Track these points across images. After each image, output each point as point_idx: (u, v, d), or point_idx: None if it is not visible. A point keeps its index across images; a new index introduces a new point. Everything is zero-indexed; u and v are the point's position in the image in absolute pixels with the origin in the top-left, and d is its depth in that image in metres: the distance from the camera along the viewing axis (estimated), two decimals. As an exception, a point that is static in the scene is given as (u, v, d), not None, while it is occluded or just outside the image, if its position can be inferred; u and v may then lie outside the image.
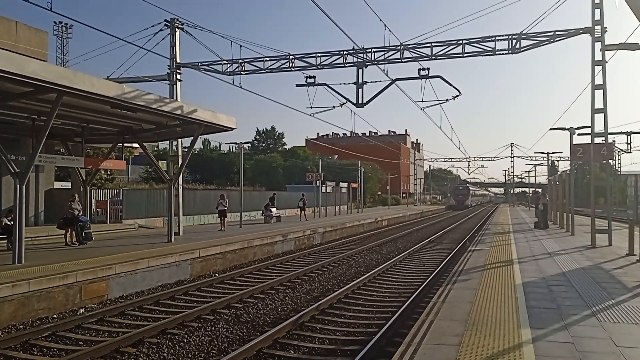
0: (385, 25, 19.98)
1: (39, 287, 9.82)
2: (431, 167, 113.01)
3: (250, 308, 10.60)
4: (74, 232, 16.53)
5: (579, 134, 20.84)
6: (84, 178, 21.93)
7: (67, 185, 30.25)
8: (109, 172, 36.69)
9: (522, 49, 19.97)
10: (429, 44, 20.69)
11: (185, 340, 8.33)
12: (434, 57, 20.74)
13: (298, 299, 11.64)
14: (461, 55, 20.65)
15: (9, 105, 14.37)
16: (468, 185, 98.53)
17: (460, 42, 20.39)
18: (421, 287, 12.19)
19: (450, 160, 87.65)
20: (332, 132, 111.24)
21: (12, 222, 13.63)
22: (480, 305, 7.85)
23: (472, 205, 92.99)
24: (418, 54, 20.88)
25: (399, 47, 20.80)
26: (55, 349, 7.99)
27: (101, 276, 11.33)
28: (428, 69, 20.36)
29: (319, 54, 22.11)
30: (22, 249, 12.22)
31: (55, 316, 9.90)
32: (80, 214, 16.95)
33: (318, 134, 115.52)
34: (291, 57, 22.46)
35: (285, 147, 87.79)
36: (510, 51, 20.03)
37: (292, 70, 22.68)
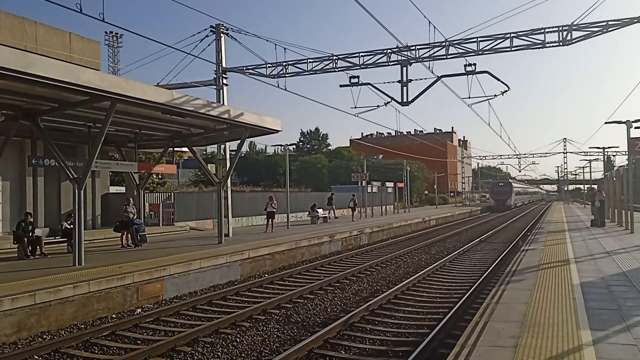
0: (429, 21, 19.77)
1: (98, 288, 10.23)
2: (479, 165, 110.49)
3: (300, 308, 10.68)
4: (129, 235, 17.13)
5: (636, 127, 19.89)
6: (138, 182, 22.68)
7: (122, 189, 31.37)
8: (160, 176, 37.85)
9: (574, 41, 19.25)
10: (475, 39, 20.26)
11: (238, 340, 8.47)
12: (480, 52, 20.28)
13: (347, 300, 11.64)
14: (509, 49, 20.11)
15: (66, 114, 15.05)
16: (510, 181, 78.65)
17: (508, 35, 19.85)
18: (473, 287, 11.94)
19: (499, 157, 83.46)
20: (377, 132, 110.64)
21: (71, 226, 14.27)
22: (536, 307, 7.62)
23: (517, 205, 74.63)
24: (464, 49, 20.48)
25: (444, 43, 20.46)
26: (114, 348, 8.30)
27: (156, 277, 11.69)
28: (475, 64, 19.91)
29: (362, 54, 22.03)
30: (81, 252, 12.77)
31: (114, 316, 10.28)
32: (135, 217, 17.55)
33: (362, 133, 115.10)
34: (334, 57, 22.47)
35: (329, 147, 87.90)
36: (560, 43, 19.34)
37: (335, 71, 22.70)
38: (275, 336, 8.79)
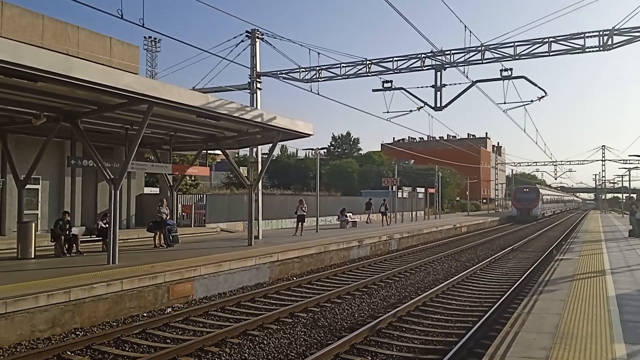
0: (465, 26, 19.46)
1: (130, 287, 10.47)
2: (513, 172, 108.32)
3: (327, 312, 10.69)
4: (162, 235, 17.48)
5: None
6: (171, 184, 23.12)
7: (156, 190, 32.02)
8: (193, 178, 38.46)
9: (615, 46, 18.71)
10: (512, 44, 19.92)
11: (265, 342, 8.54)
12: (517, 57, 19.93)
13: (374, 305, 11.59)
14: (547, 54, 19.69)
15: (105, 116, 15.45)
16: (538, 187, 64.36)
17: (546, 40, 19.45)
18: (504, 296, 11.72)
19: (534, 164, 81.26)
20: (409, 137, 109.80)
21: (107, 225, 14.65)
22: (569, 318, 7.43)
23: (545, 215, 62.95)
24: (500, 54, 20.16)
25: (479, 48, 20.20)
26: (145, 346, 8.47)
27: (187, 277, 11.89)
28: (511, 69, 19.58)
29: (396, 58, 21.93)
30: (116, 251, 13.09)
31: (145, 314, 10.50)
32: (168, 218, 17.90)
33: (394, 138, 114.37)
34: (368, 62, 22.46)
35: (360, 152, 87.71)
36: (601, 48, 18.82)
37: (368, 76, 22.68)
38: (302, 339, 8.83)
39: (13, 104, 13.58)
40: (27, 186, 16.37)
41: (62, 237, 15.11)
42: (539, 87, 19.78)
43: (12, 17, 22.79)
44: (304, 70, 23.38)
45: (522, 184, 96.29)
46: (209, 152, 24.70)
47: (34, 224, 15.02)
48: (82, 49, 24.84)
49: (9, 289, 9.18)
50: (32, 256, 14.31)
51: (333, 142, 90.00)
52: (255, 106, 22.61)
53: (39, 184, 21.72)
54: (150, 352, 8.05)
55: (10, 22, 22.41)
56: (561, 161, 76.48)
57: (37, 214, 21.34)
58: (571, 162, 79.22)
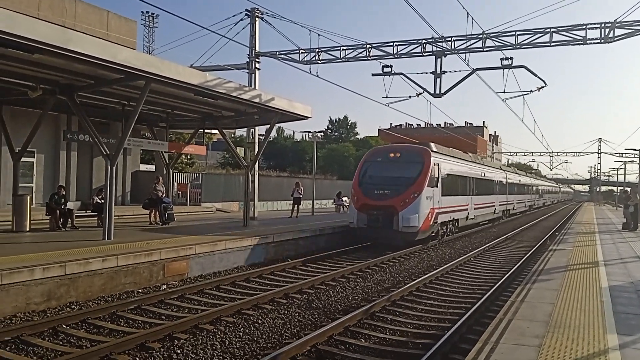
0: (467, 12, 19.30)
1: (126, 263, 10.47)
2: (509, 161, 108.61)
3: (322, 294, 10.74)
4: (157, 213, 17.44)
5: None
6: (167, 162, 23.02)
7: (151, 167, 31.91)
8: (189, 157, 38.31)
9: (616, 39, 18.63)
10: (513, 33, 19.80)
11: (259, 322, 8.59)
12: (518, 46, 19.83)
13: (369, 289, 11.65)
14: (548, 44, 19.60)
15: (102, 91, 15.32)
16: (432, 146, 20.68)
17: (548, 30, 19.36)
18: (497, 284, 11.80)
19: (531, 154, 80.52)
20: (406, 123, 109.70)
21: (102, 201, 14.60)
22: (562, 307, 7.50)
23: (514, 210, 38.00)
24: (501, 42, 20.05)
25: (481, 36, 20.06)
26: (140, 322, 8.50)
27: (182, 255, 11.90)
28: (511, 58, 19.51)
29: (397, 43, 21.76)
30: (111, 226, 13.07)
31: (140, 291, 10.52)
32: (164, 196, 17.85)
33: (391, 124, 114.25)
34: (368, 46, 22.28)
35: (357, 136, 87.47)
36: (602, 40, 18.74)
37: (368, 60, 22.52)
38: (296, 320, 8.88)
39: (9, 75, 13.41)
40: (22, 159, 16.23)
41: (58, 211, 15.07)
42: (538, 77, 19.75)
43: (9, -13, 22.37)
44: (303, 51, 23.18)
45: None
46: (205, 131, 24.59)
47: (29, 197, 14.96)
48: (78, 21, 24.47)
49: (4, 261, 9.15)
50: (27, 229, 14.28)
51: (330, 126, 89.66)
52: (253, 86, 22.45)
53: (34, 157, 21.57)
54: (146, 328, 8.07)
55: (7, -8, 22.00)
56: (557, 152, 76.65)
57: (32, 187, 21.23)
58: (567, 154, 79.39)
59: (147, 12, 77.46)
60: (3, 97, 16.05)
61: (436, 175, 18.87)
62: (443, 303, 10.52)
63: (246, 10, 23.06)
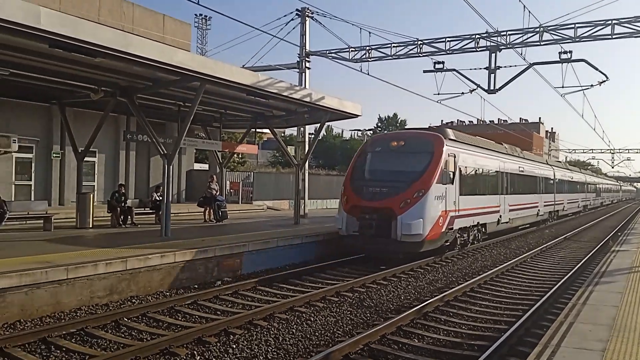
0: (524, 5, 18.68)
1: (183, 259, 10.79)
2: (567, 159, 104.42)
3: (373, 293, 10.70)
4: (211, 210, 17.88)
5: None
6: (221, 161, 23.53)
7: (204, 166, 32.71)
8: (240, 156, 39.03)
9: (685, 29, 17.58)
10: (572, 25, 19.04)
11: (312, 319, 8.65)
12: (577, 39, 19.05)
13: (421, 289, 11.51)
14: (610, 37, 18.74)
15: (159, 92, 15.81)
16: (448, 131, 17.13)
17: (609, 22, 18.49)
18: (556, 286, 11.39)
19: (590, 151, 76.28)
20: (457, 120, 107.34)
21: (160, 198, 15.10)
22: (627, 311, 7.16)
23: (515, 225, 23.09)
24: (559, 36, 19.32)
25: (538, 29, 19.40)
26: (196, 316, 8.74)
27: (236, 252, 12.14)
28: (570, 52, 18.76)
29: (449, 39, 21.37)
30: (169, 224, 13.50)
31: (196, 286, 10.81)
32: (217, 194, 18.28)
33: (442, 121, 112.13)
34: (419, 42, 21.98)
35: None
36: (668, 31, 17.74)
37: (419, 56, 22.24)
38: (348, 318, 8.89)
39: (72, 79, 14.05)
40: (85, 159, 16.99)
41: (118, 209, 15.69)
42: (599, 71, 18.88)
43: (71, -7, 23.48)
44: (353, 49, 23.14)
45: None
46: (257, 130, 24.94)
47: (91, 195, 15.64)
48: (136, 25, 25.39)
49: (70, 257, 9.63)
50: (90, 226, 14.94)
51: (379, 124, 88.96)
52: (303, 85, 22.60)
53: (95, 157, 22.56)
54: (202, 323, 8.29)
55: (69, -1, 23.10)
56: (619, 149, 72.81)
57: (94, 185, 22.22)
58: (630, 151, 75.13)
59: (200, 15, 79.20)
60: (67, 99, 16.90)
61: (451, 169, 15.11)
62: (499, 305, 10.26)
63: (297, 10, 23.26)
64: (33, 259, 9.27)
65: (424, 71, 21.52)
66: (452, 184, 15.04)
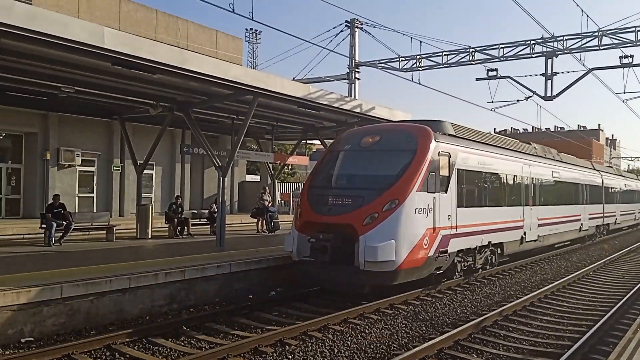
0: (582, 10, 18.10)
1: (238, 269, 10.97)
2: (629, 167, 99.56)
3: (428, 306, 10.51)
4: (264, 221, 18.13)
5: None
6: (272, 172, 23.88)
7: (255, 178, 33.30)
8: (290, 167, 39.48)
9: None
10: (633, 29, 18.28)
11: (366, 331, 8.59)
12: (638, 43, 18.26)
13: (478, 302, 11.21)
14: (674, 39, 17.85)
15: (213, 106, 16.26)
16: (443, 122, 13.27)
17: (675, 23, 17.62)
18: (622, 301, 10.84)
19: None
20: (511, 127, 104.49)
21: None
22: None
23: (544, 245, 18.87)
24: (620, 39, 18.58)
25: (596, 33, 18.72)
26: (252, 326, 8.84)
27: (290, 263, 12.22)
28: (632, 56, 18.02)
29: (502, 45, 20.94)
30: (224, 234, 13.79)
31: (250, 296, 10.95)
32: (270, 205, 18.53)
33: (495, 129, 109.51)
34: (471, 50, 21.66)
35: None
36: None
37: (472, 64, 21.89)
38: (403, 331, 8.76)
39: (133, 95, 14.68)
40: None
41: (175, 220, 16.16)
42: (666, 74, 17.91)
43: (129, 12, 24.61)
44: (403, 59, 23.05)
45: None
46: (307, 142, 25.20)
47: (150, 207, 16.20)
48: (191, 41, 26.29)
49: (131, 266, 10.00)
50: (150, 236, 15.47)
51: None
52: (353, 96, 22.68)
53: (152, 170, 23.40)
54: (257, 333, 8.39)
55: (128, 17, 24.23)
56: (687, 156, 68.46)
57: (152, 197, 23.03)
58: (699, 158, 70.60)
59: (251, 29, 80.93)
60: (127, 114, 17.64)
61: (444, 173, 11.49)
62: (561, 320, 9.84)
63: (346, 21, 23.43)
64: (97, 269, 9.68)
65: (477, 79, 21.23)
66: (446, 192, 11.48)
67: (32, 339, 7.69)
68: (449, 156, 11.77)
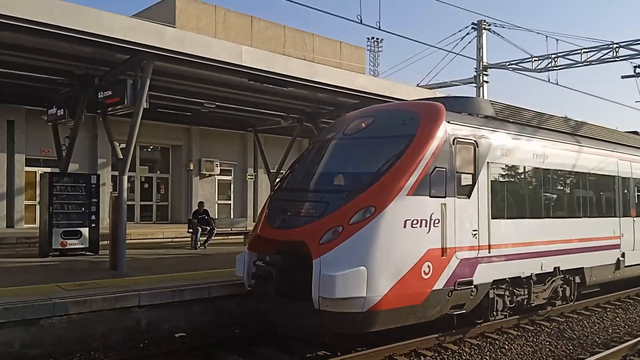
0: None
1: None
2: None
3: (574, 324, 9.72)
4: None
5: None
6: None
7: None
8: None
9: None
10: None
11: (506, 347, 8.16)
12: None
13: (632, 322, 10.15)
14: None
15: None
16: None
17: None
18: None
19: None
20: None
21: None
22: None
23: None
24: None
25: None
26: (385, 335, 8.79)
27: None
28: None
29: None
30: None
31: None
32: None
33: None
34: (615, 45, 19.85)
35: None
36: None
37: (616, 61, 20.11)
38: (547, 349, 8.19)
39: (266, 107, 15.53)
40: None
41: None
42: None
43: (260, 29, 26.08)
44: (537, 59, 21.78)
45: None
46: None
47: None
48: (316, 54, 27.16)
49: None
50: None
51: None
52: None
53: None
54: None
55: (258, 34, 25.68)
56: None
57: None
58: None
59: (372, 37, 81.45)
60: (260, 126, 18.67)
61: (463, 169, 8.00)
62: None
63: (472, 23, 22.69)
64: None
65: (622, 77, 19.47)
66: (469, 196, 8.05)
67: (184, 334, 8.37)
68: (475, 145, 8.23)
